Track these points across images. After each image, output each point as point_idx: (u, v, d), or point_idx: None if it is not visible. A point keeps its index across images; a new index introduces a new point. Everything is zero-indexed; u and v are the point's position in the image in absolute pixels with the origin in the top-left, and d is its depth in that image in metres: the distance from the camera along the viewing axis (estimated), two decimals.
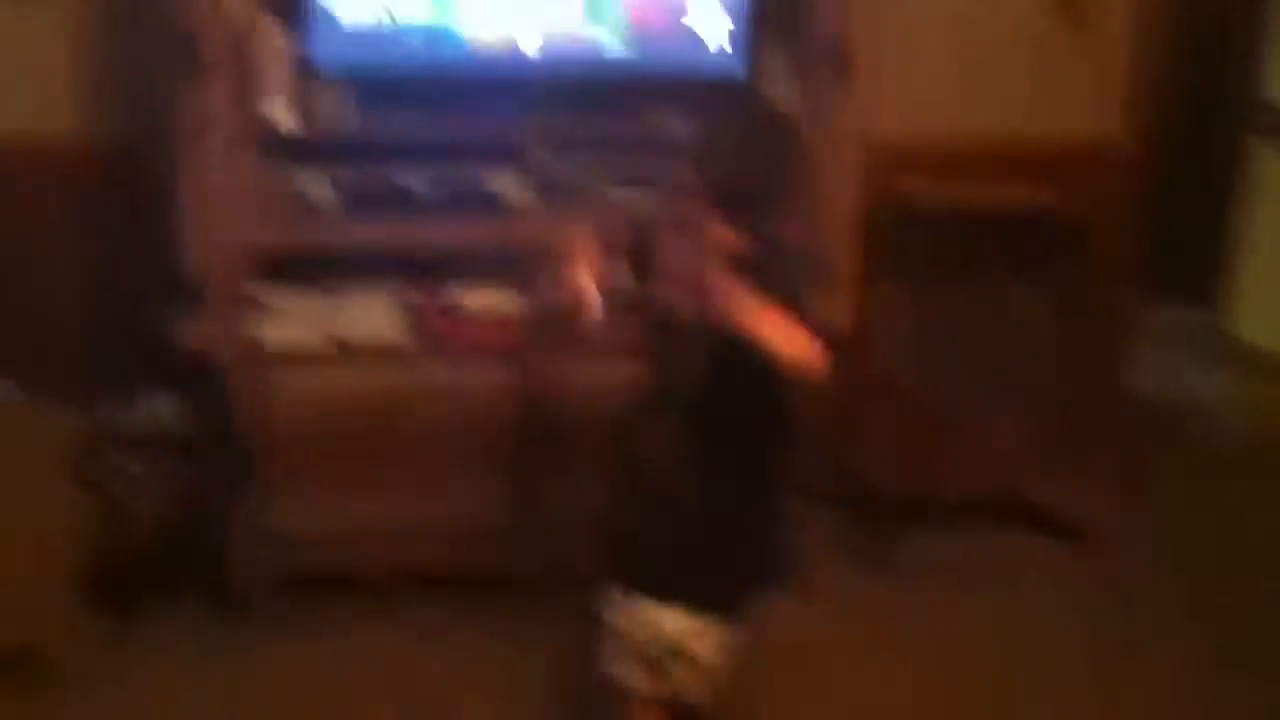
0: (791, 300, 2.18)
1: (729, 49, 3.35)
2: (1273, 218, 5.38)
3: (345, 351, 3.18)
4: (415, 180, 3.27)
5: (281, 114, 3.11)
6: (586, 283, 2.43)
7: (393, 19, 3.15)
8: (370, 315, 3.22)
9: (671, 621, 2.32)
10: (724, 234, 2.24)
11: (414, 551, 3.25)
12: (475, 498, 3.26)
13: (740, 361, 2.14)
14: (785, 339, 2.10)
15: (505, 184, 3.31)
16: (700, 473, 2.35)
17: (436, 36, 3.19)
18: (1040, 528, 3.83)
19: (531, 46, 3.25)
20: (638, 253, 2.40)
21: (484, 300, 3.29)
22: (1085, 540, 3.78)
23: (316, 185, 3.21)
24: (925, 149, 3.78)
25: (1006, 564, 3.69)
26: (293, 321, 3.15)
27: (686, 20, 3.31)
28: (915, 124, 3.73)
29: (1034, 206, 3.76)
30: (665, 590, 2.33)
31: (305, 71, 3.13)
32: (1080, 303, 3.86)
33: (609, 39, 3.28)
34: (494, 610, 3.20)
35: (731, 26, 3.33)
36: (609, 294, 2.44)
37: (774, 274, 2.22)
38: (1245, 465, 4.44)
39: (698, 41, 3.33)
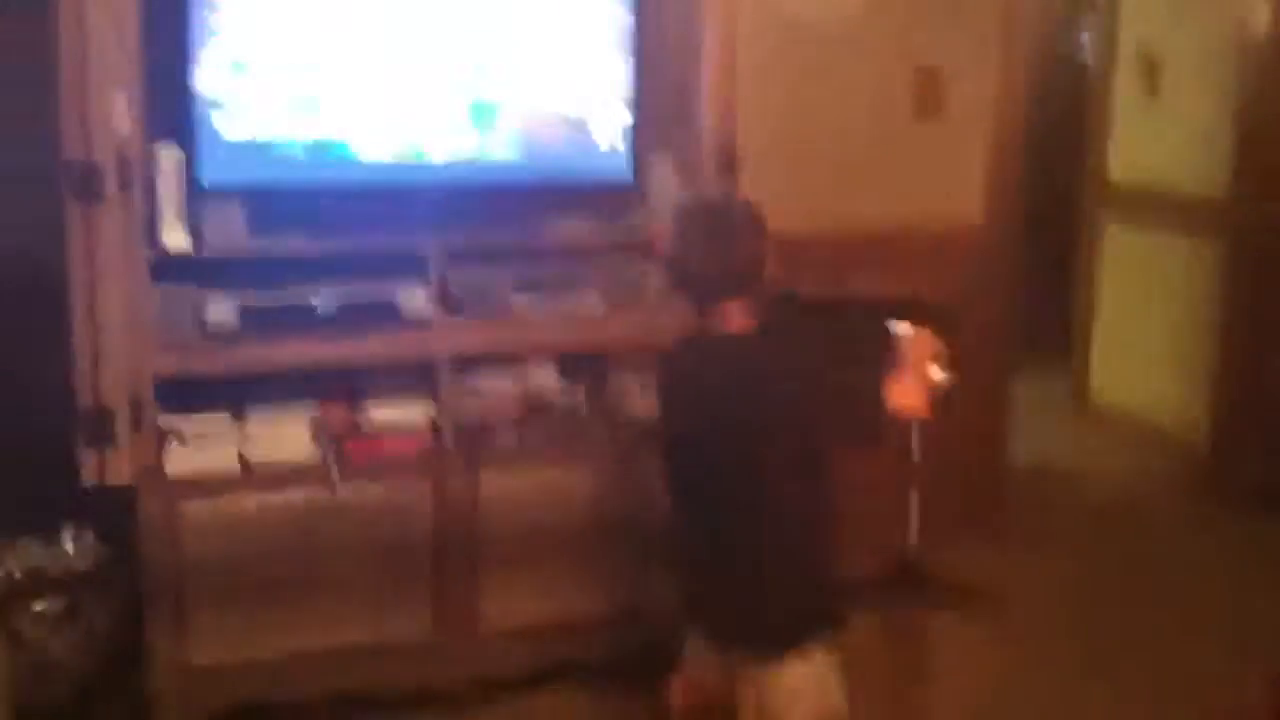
0: None
1: (619, 149, 3.44)
2: (1119, 287, 5.70)
3: (255, 474, 3.13)
4: (316, 297, 3.25)
5: (177, 237, 3.06)
6: (926, 382, 2.54)
7: (282, 137, 3.15)
8: (279, 436, 3.18)
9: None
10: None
11: (341, 673, 3.18)
12: (398, 615, 3.23)
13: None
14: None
15: (407, 296, 3.32)
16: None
17: (326, 152, 3.20)
18: (942, 599, 3.94)
19: (422, 158, 3.29)
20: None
21: (393, 414, 3.28)
22: (983, 605, 3.91)
23: (217, 307, 3.17)
24: (804, 243, 3.89)
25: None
26: (201, 447, 3.09)
27: (575, 125, 3.39)
28: (793, 220, 3.84)
29: (907, 293, 3.90)
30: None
31: (199, 193, 3.10)
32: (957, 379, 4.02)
33: (499, 147, 3.34)
34: None
35: (621, 128, 3.42)
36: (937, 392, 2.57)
37: None
38: (1115, 520, 4.68)
39: (588, 145, 3.41)
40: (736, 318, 2.49)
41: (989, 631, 3.81)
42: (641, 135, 3.46)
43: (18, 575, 2.88)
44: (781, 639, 2.49)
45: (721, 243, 2.48)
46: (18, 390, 3.10)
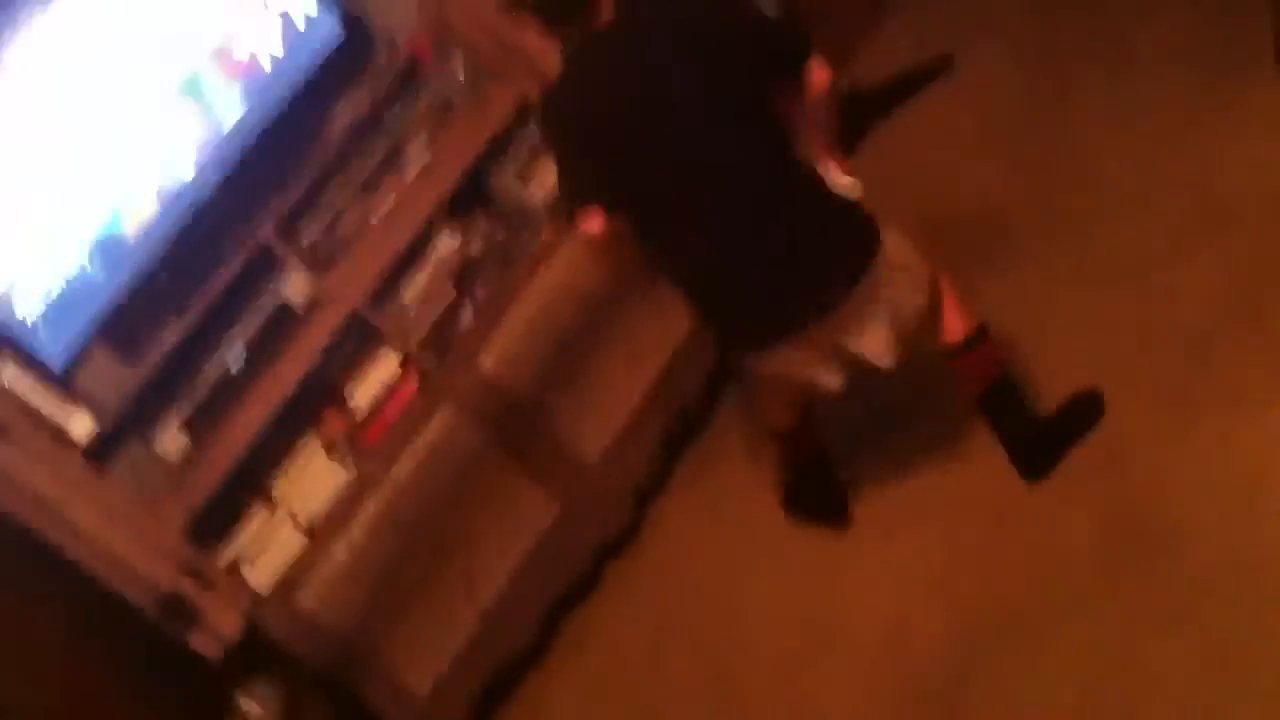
0: None
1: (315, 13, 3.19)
2: None
3: (321, 526, 3.11)
4: (227, 356, 3.12)
5: (80, 424, 2.93)
6: None
7: (71, 270, 2.93)
8: (306, 482, 3.13)
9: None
10: None
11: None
12: (523, 517, 3.29)
13: None
14: None
15: (286, 284, 3.17)
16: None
17: (105, 249, 2.95)
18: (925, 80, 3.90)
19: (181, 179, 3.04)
20: None
21: (371, 383, 3.21)
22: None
23: (164, 438, 3.06)
24: None
25: None
26: (263, 547, 3.05)
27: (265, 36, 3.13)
28: None
29: None
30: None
31: (63, 377, 2.95)
32: None
33: (227, 106, 3.10)
34: None
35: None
36: None
37: None
38: None
39: (292, 37, 3.16)
40: (605, 8, 2.34)
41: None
42: None
43: None
44: (863, 245, 2.43)
45: None
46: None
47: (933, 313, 2.55)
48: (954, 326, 2.58)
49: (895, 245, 2.47)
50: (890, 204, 2.54)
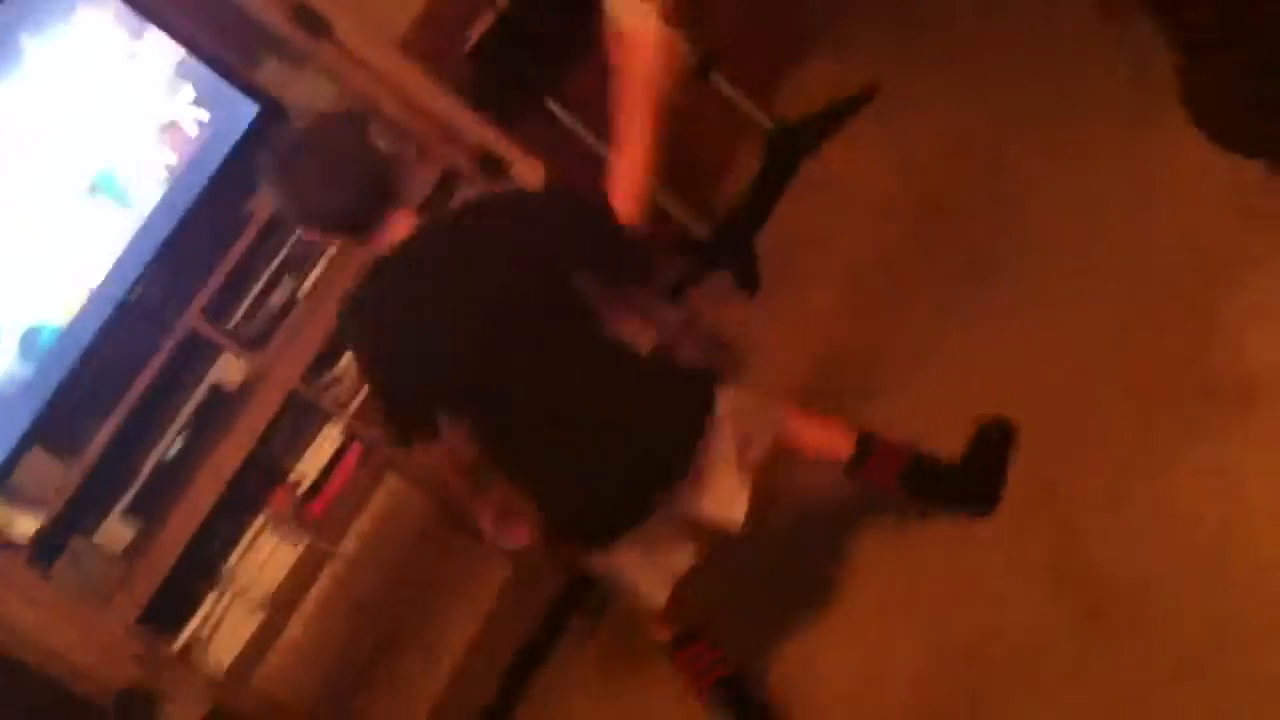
0: None
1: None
2: None
3: (280, 604, 3.09)
4: (164, 443, 3.12)
5: (24, 524, 2.91)
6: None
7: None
8: (260, 565, 3.11)
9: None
10: None
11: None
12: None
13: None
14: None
15: (217, 370, 3.19)
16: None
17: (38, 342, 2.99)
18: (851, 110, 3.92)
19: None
20: None
21: (313, 456, 3.22)
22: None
23: (107, 532, 3.04)
24: None
25: None
26: (222, 631, 3.04)
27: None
28: None
29: None
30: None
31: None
32: None
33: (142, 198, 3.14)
34: None
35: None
36: None
37: None
38: None
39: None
40: (403, 223, 2.34)
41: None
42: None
43: None
44: (700, 414, 2.35)
45: (339, 171, 2.32)
46: None
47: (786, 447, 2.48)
48: (836, 447, 2.50)
49: (730, 398, 2.39)
50: (807, 264, 2.45)
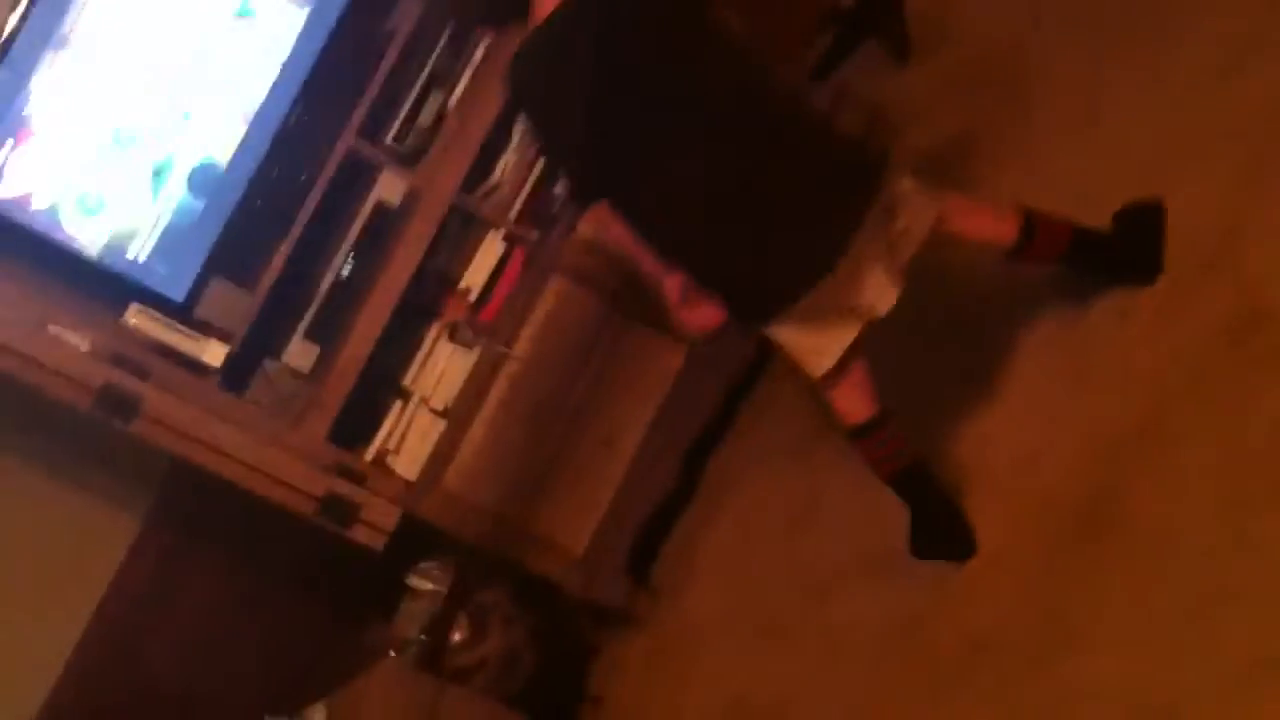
0: None
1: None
2: None
3: (464, 415, 3.24)
4: (340, 263, 3.23)
5: (213, 353, 3.09)
6: None
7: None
8: (440, 372, 3.26)
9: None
10: None
11: None
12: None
13: None
14: None
15: (382, 184, 3.26)
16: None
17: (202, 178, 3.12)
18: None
19: None
20: None
21: (477, 265, 3.29)
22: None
23: (295, 351, 3.20)
24: None
25: None
26: (417, 445, 3.21)
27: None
28: None
29: None
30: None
31: (184, 313, 3.11)
32: None
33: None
34: None
35: None
36: None
37: None
38: None
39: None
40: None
41: None
42: None
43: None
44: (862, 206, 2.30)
45: None
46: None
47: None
48: (1001, 231, 2.42)
49: (890, 188, 2.33)
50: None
